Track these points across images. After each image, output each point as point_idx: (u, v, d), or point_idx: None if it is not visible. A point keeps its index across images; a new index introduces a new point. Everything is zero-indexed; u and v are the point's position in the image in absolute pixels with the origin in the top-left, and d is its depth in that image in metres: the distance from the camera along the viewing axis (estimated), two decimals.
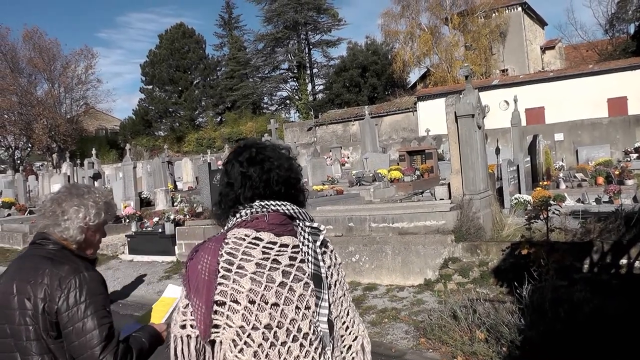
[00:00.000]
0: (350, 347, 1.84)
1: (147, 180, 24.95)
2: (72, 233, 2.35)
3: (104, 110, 56.29)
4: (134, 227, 14.18)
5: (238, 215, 1.78)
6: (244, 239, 1.71)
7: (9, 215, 20.98)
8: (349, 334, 1.85)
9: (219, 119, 54.30)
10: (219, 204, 1.87)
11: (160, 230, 12.94)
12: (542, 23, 46.81)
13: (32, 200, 26.47)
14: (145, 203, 19.52)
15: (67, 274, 2.20)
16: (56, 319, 2.15)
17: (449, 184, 10.34)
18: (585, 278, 6.68)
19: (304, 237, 1.76)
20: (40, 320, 2.15)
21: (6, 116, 46.40)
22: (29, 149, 50.55)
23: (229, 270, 1.66)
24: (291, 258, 1.71)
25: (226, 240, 1.72)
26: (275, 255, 1.69)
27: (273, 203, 1.78)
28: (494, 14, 40.48)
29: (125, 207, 16.08)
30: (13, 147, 49.47)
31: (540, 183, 13.18)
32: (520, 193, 11.32)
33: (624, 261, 6.79)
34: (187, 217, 12.95)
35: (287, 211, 1.78)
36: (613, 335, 4.90)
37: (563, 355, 4.80)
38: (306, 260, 1.72)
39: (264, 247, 1.70)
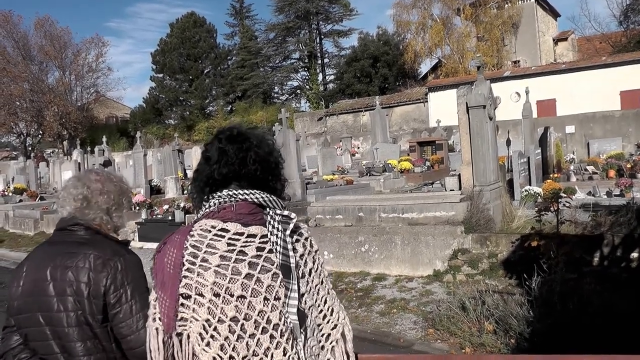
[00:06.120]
0: (329, 335, 1.80)
1: (157, 168, 25.07)
2: (103, 217, 2.35)
3: (115, 98, 56.33)
4: (143, 215, 14.26)
5: (207, 205, 1.76)
6: (210, 231, 1.68)
7: (20, 201, 21.13)
8: (327, 322, 1.80)
9: (229, 108, 54.24)
10: (193, 181, 1.85)
11: (170, 218, 13.03)
12: (554, 14, 46.37)
13: (43, 187, 26.68)
14: (155, 191, 19.61)
15: (111, 256, 2.19)
16: (103, 301, 2.13)
17: (459, 175, 10.32)
18: (595, 271, 6.66)
19: (273, 227, 1.71)
20: (86, 305, 2.12)
21: (18, 103, 46.59)
22: (40, 136, 50.72)
23: (194, 264, 1.63)
24: (259, 249, 1.67)
25: (192, 233, 1.69)
26: (241, 246, 1.66)
27: (241, 192, 1.75)
28: (506, 5, 40.11)
29: (136, 194, 16.15)
30: (24, 134, 49.71)
31: (551, 175, 13.12)
32: (530, 185, 11.27)
33: (634, 255, 6.76)
34: None
35: (256, 200, 1.75)
36: (622, 329, 4.89)
37: (571, 348, 4.79)
38: (274, 250, 1.67)
39: (229, 238, 1.66)
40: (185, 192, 17.32)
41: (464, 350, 5.45)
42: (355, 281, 8.33)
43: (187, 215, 12.33)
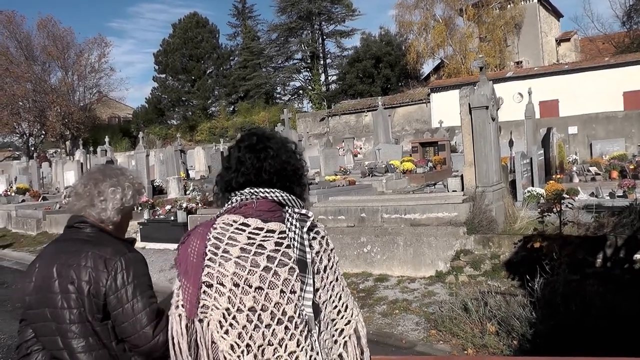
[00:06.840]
0: (342, 330, 1.87)
1: (160, 168, 25.10)
2: (109, 214, 2.37)
3: (117, 98, 56.46)
4: (146, 215, 14.24)
5: (229, 201, 1.86)
6: (232, 225, 1.76)
7: (23, 201, 21.15)
8: (341, 318, 1.87)
9: (231, 109, 54.27)
10: (216, 184, 1.96)
11: (172, 218, 13.02)
12: (557, 15, 46.31)
13: (45, 187, 26.71)
14: (157, 191, 19.64)
15: (112, 255, 2.21)
16: (104, 301, 2.16)
17: (461, 176, 10.31)
18: (598, 273, 6.64)
19: (291, 224, 1.79)
20: (86, 303, 2.15)
21: (21, 103, 46.68)
22: (42, 136, 50.83)
23: (216, 254, 1.72)
24: (277, 244, 1.74)
25: (214, 226, 1.78)
26: (260, 240, 1.74)
27: (262, 190, 1.84)
28: (509, 5, 40.07)
29: None
30: (27, 134, 49.84)
31: (554, 176, 13.09)
32: (533, 186, 11.26)
33: (638, 256, 6.74)
34: (199, 205, 13.01)
35: (275, 198, 1.83)
36: (625, 331, 4.87)
37: (574, 350, 4.78)
38: (292, 245, 1.75)
39: (250, 232, 1.75)
40: (188, 192, 17.33)
41: (466, 352, 5.44)
42: (357, 282, 8.33)
43: (189, 215, 12.31)
